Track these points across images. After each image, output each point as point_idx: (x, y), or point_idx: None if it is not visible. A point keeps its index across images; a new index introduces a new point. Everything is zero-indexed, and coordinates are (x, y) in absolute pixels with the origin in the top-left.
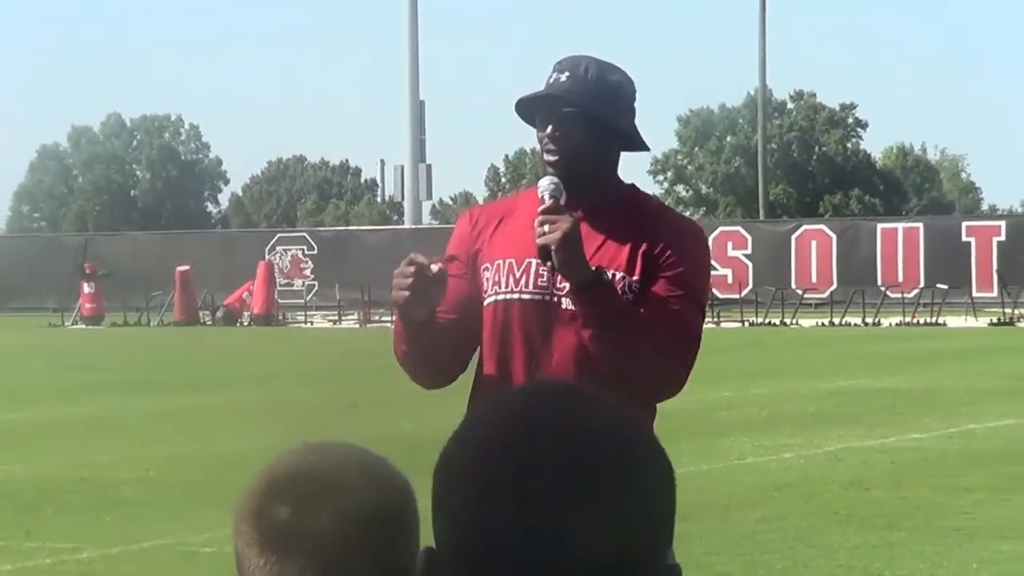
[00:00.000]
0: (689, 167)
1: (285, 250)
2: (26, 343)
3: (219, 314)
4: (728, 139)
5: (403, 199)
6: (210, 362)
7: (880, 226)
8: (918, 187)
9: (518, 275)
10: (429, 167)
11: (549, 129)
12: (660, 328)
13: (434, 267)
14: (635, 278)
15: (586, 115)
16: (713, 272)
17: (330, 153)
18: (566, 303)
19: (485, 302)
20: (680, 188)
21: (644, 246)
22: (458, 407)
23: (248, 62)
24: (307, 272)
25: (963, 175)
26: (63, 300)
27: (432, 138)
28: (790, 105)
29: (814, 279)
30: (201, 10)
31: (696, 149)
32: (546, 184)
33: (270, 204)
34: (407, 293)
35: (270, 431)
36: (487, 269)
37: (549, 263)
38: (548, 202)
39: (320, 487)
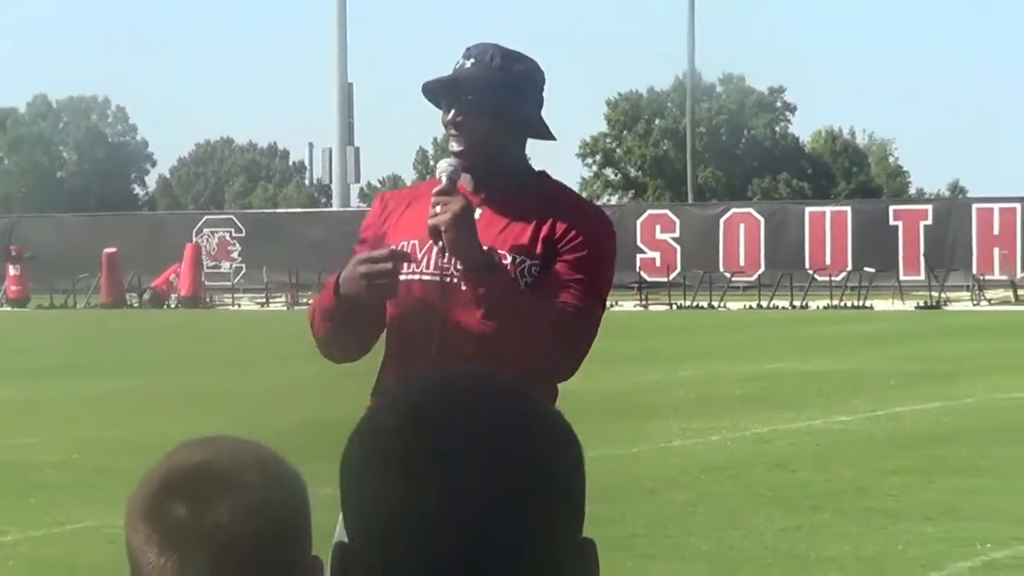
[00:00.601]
0: (618, 150)
1: (212, 232)
2: None
3: (146, 296)
4: (657, 122)
5: (331, 182)
6: (137, 345)
7: (808, 209)
8: (846, 171)
9: (419, 256)
10: (357, 150)
11: (452, 114)
12: (554, 311)
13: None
14: (535, 261)
15: (489, 102)
16: (641, 255)
17: (258, 135)
18: (464, 284)
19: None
20: (609, 171)
21: (546, 230)
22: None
23: (175, 43)
24: (234, 255)
25: (891, 159)
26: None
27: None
28: (719, 88)
29: (742, 262)
30: None
31: (625, 132)
32: (444, 166)
33: (198, 186)
34: (383, 282)
35: (196, 416)
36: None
37: (440, 243)
38: (444, 183)
39: (216, 483)
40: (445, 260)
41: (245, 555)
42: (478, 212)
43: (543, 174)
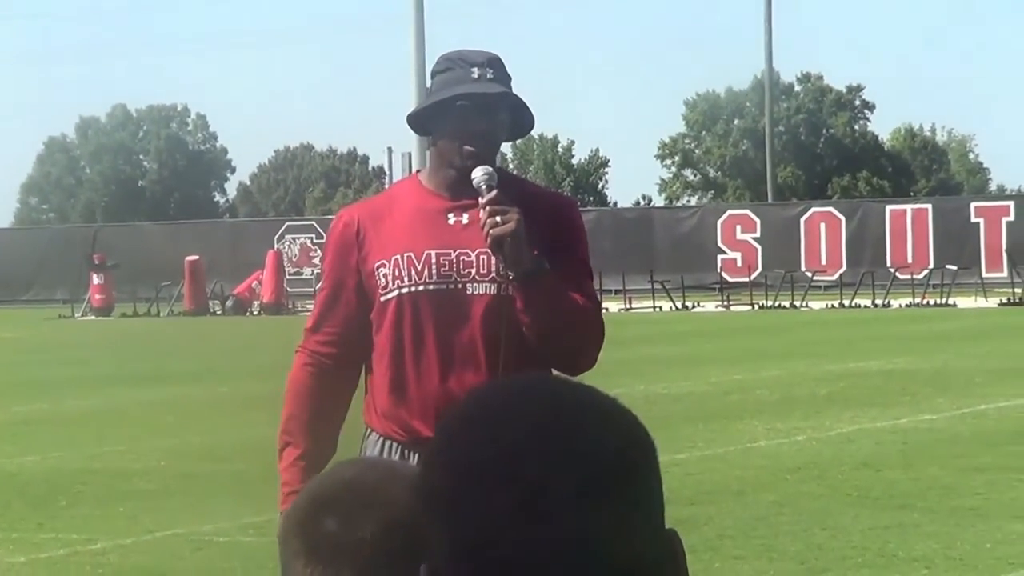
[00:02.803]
0: (696, 151)
1: (294, 239)
2: (36, 335)
3: (229, 303)
4: (735, 122)
5: None
6: (221, 352)
7: (889, 208)
8: (926, 168)
9: (419, 267)
10: None
11: (485, 126)
12: (583, 310)
13: None
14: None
15: (512, 120)
16: (722, 256)
17: (337, 141)
18: (471, 289)
19: (385, 298)
20: (688, 172)
21: (542, 229)
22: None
23: (254, 50)
24: (316, 260)
25: (971, 156)
26: (73, 291)
27: None
28: (797, 88)
29: (823, 261)
30: (207, 1)
31: (703, 133)
32: (480, 175)
33: (278, 193)
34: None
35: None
36: (383, 266)
37: (503, 252)
38: (490, 193)
39: (364, 499)
40: (496, 270)
41: (386, 570)
42: (465, 217)
43: (501, 170)
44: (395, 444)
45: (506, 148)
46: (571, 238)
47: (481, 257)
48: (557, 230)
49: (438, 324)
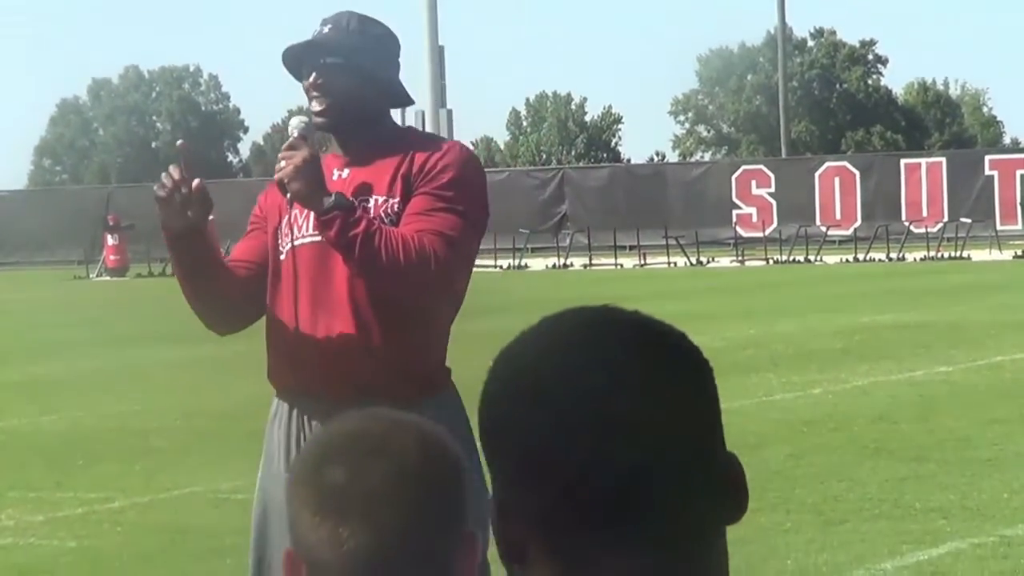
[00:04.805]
0: (710, 107)
1: None
2: (52, 296)
3: None
4: (749, 78)
5: None
6: None
7: (903, 161)
8: (939, 122)
9: (301, 221)
10: (450, 112)
11: (312, 77)
12: (415, 241)
13: (196, 183)
14: (396, 199)
15: (348, 64)
16: (737, 211)
17: None
18: (318, 231)
19: (281, 252)
20: (701, 128)
21: (404, 168)
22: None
23: (264, 9)
24: None
25: (984, 109)
26: (88, 253)
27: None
28: (810, 43)
29: (838, 216)
30: None
31: (717, 89)
32: (296, 122)
33: None
34: (161, 194)
35: None
36: (284, 221)
37: (288, 195)
38: (291, 138)
39: (372, 449)
40: (298, 213)
41: (396, 520)
42: (346, 172)
43: (411, 129)
44: (282, 400)
45: (519, 105)
46: (436, 177)
47: (358, 201)
48: (419, 171)
49: (312, 276)
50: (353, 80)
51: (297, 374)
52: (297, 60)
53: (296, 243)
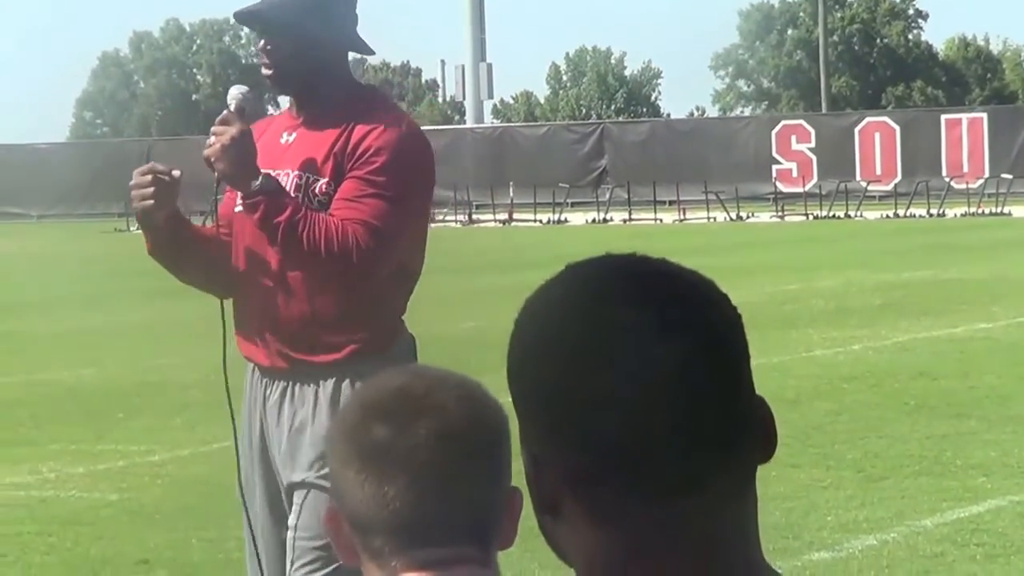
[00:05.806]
0: (751, 61)
1: None
2: (93, 248)
3: None
4: (789, 32)
5: (464, 99)
6: None
7: (944, 117)
8: (980, 78)
9: None
10: (490, 66)
11: (261, 43)
12: (338, 231)
13: (175, 172)
14: (324, 179)
15: (293, 25)
16: (777, 166)
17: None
18: (245, 212)
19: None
20: (741, 83)
21: (339, 145)
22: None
23: None
24: None
25: None
26: (128, 205)
27: (492, 37)
28: None
29: (878, 171)
30: None
31: (757, 43)
32: (234, 93)
33: None
34: (151, 201)
35: None
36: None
37: (215, 173)
38: (226, 112)
39: (414, 406)
40: (220, 190)
41: (439, 476)
42: (293, 135)
43: (372, 89)
44: (251, 366)
45: (559, 60)
46: (368, 161)
47: (291, 176)
48: (352, 151)
49: (252, 242)
50: (299, 44)
51: (240, 334)
52: (248, 25)
53: (238, 208)
